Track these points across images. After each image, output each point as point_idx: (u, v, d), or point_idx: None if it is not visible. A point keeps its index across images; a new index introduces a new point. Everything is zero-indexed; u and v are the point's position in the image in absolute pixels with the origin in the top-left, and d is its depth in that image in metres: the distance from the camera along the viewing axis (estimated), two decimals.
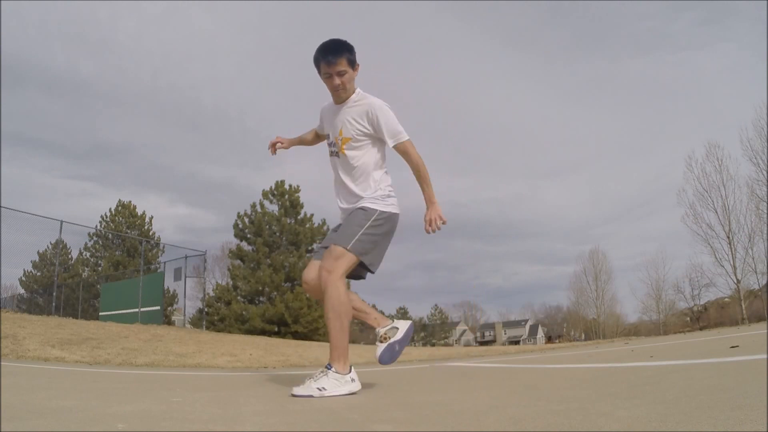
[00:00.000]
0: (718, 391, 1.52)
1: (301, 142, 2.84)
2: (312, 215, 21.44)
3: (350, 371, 2.24)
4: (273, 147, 2.82)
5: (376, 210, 2.35)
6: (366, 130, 2.37)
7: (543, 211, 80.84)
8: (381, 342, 2.45)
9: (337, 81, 2.33)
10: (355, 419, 1.49)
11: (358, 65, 2.40)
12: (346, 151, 2.40)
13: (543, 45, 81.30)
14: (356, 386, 2.23)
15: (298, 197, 21.59)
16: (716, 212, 26.75)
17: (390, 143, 2.35)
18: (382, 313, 2.65)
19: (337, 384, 2.15)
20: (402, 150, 2.36)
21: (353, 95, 2.42)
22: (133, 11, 75.03)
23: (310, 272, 2.41)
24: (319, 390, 2.10)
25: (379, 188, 2.41)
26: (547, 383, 2.46)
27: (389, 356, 2.44)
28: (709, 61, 65.28)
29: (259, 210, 21.24)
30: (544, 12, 79.98)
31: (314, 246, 21.16)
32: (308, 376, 2.20)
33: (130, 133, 68.90)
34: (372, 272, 2.43)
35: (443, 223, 2.35)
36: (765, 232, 25.06)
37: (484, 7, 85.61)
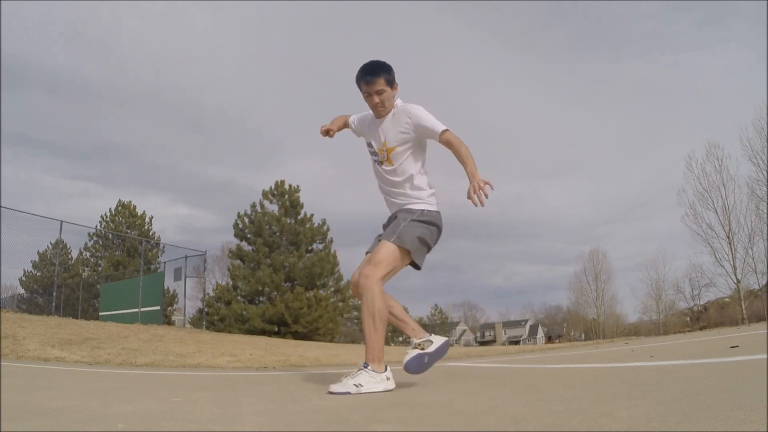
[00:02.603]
0: (718, 391, 1.52)
1: (342, 126, 2.86)
2: (312, 215, 21.44)
3: (385, 370, 2.35)
4: (325, 133, 2.84)
5: (420, 209, 2.52)
6: (408, 135, 2.52)
7: (543, 211, 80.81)
8: (413, 349, 2.52)
9: (376, 99, 2.51)
10: (355, 419, 1.49)
11: (397, 84, 2.57)
12: (393, 160, 2.56)
13: (543, 45, 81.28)
14: (391, 384, 2.34)
15: (298, 197, 21.58)
16: (716, 212, 26.75)
17: (435, 136, 2.46)
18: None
19: (373, 381, 2.27)
20: (445, 140, 2.44)
21: (393, 110, 2.58)
22: (134, 12, 75.03)
23: (356, 275, 2.52)
24: (356, 386, 2.21)
25: (423, 191, 2.57)
26: (547, 383, 2.46)
27: (416, 365, 2.51)
28: (709, 61, 65.31)
29: (259, 210, 21.23)
30: (544, 12, 79.98)
31: (313, 246, 21.17)
32: (345, 375, 2.30)
33: (131, 134, 68.90)
34: (416, 263, 2.50)
35: (490, 187, 2.25)
36: (765, 232, 25.06)
37: (484, 7, 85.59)
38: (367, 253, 2.60)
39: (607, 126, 77.54)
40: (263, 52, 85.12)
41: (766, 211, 24.74)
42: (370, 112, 2.69)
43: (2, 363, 3.94)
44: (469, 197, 2.26)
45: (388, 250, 2.40)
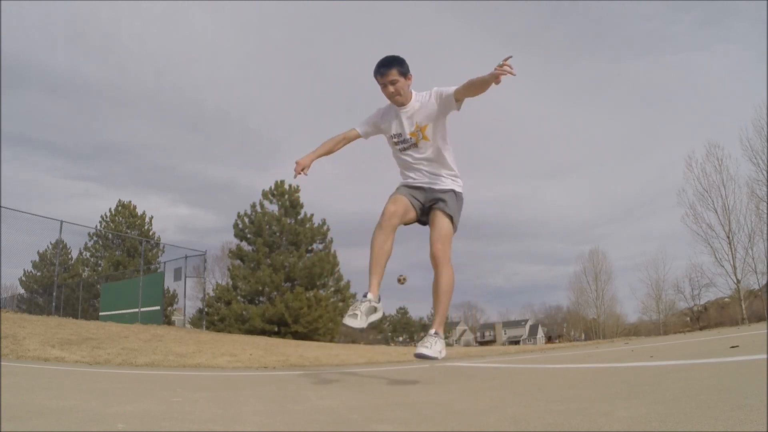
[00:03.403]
0: (718, 391, 1.52)
1: (321, 154, 3.00)
2: (312, 215, 21.43)
3: None
4: (299, 172, 2.99)
5: (461, 193, 2.88)
6: (435, 109, 2.75)
7: (543, 211, 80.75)
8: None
9: (391, 89, 2.74)
10: (355, 419, 1.49)
11: (411, 75, 2.79)
12: (428, 137, 2.78)
13: (544, 45, 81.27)
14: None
15: (298, 197, 21.57)
16: (716, 212, 26.73)
17: (451, 91, 2.68)
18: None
19: (444, 347, 2.60)
20: (457, 90, 2.66)
21: (414, 96, 2.82)
22: (134, 12, 75.06)
23: (395, 207, 2.72)
24: (440, 353, 2.53)
25: (454, 171, 2.87)
26: (547, 383, 2.46)
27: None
28: (710, 61, 65.36)
29: (259, 210, 21.23)
30: (544, 13, 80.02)
31: (313, 246, 21.16)
32: (423, 339, 2.56)
33: (131, 134, 69.02)
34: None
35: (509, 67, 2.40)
36: (765, 232, 25.05)
37: (484, 7, 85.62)
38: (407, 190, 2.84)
39: (607, 126, 77.58)
40: (263, 52, 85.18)
41: (766, 211, 24.74)
42: (386, 105, 2.90)
43: (2, 363, 3.94)
44: (498, 70, 2.39)
45: (449, 226, 2.73)
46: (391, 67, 2.72)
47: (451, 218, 2.74)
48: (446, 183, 2.84)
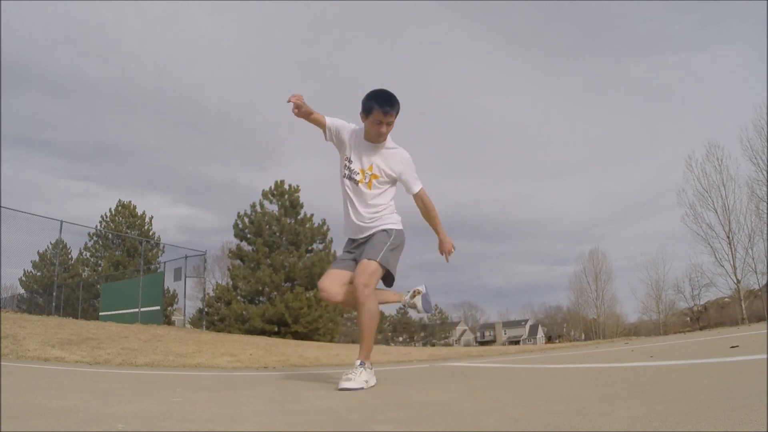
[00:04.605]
0: (718, 391, 1.52)
1: (314, 120, 2.70)
2: (312, 215, 21.43)
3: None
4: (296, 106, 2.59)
5: (393, 229, 2.74)
6: (393, 175, 2.75)
7: (543, 212, 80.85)
8: (415, 296, 3.03)
9: (384, 129, 2.63)
10: (355, 419, 1.49)
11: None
12: (373, 188, 2.73)
13: (544, 46, 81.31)
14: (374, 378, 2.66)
15: (298, 197, 21.58)
16: (716, 212, 26.76)
17: (413, 190, 2.78)
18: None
19: (372, 375, 2.57)
20: (419, 196, 2.81)
21: (388, 141, 2.75)
22: (135, 12, 75.02)
23: (329, 282, 2.76)
24: (366, 383, 2.45)
25: (391, 214, 2.80)
26: (547, 383, 2.46)
27: (428, 304, 3.06)
28: (710, 61, 65.36)
29: (259, 210, 21.23)
30: (545, 13, 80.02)
31: (313, 246, 21.20)
32: (346, 373, 2.50)
33: (132, 134, 68.96)
34: (393, 279, 2.83)
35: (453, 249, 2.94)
36: (765, 232, 25.06)
37: (485, 7, 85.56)
38: (342, 260, 2.87)
39: (607, 126, 77.62)
40: (264, 52, 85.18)
41: (766, 211, 24.75)
42: (357, 127, 2.74)
43: (2, 363, 3.94)
44: (441, 253, 2.92)
45: (374, 268, 2.60)
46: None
47: (378, 260, 2.61)
48: (381, 221, 2.74)
